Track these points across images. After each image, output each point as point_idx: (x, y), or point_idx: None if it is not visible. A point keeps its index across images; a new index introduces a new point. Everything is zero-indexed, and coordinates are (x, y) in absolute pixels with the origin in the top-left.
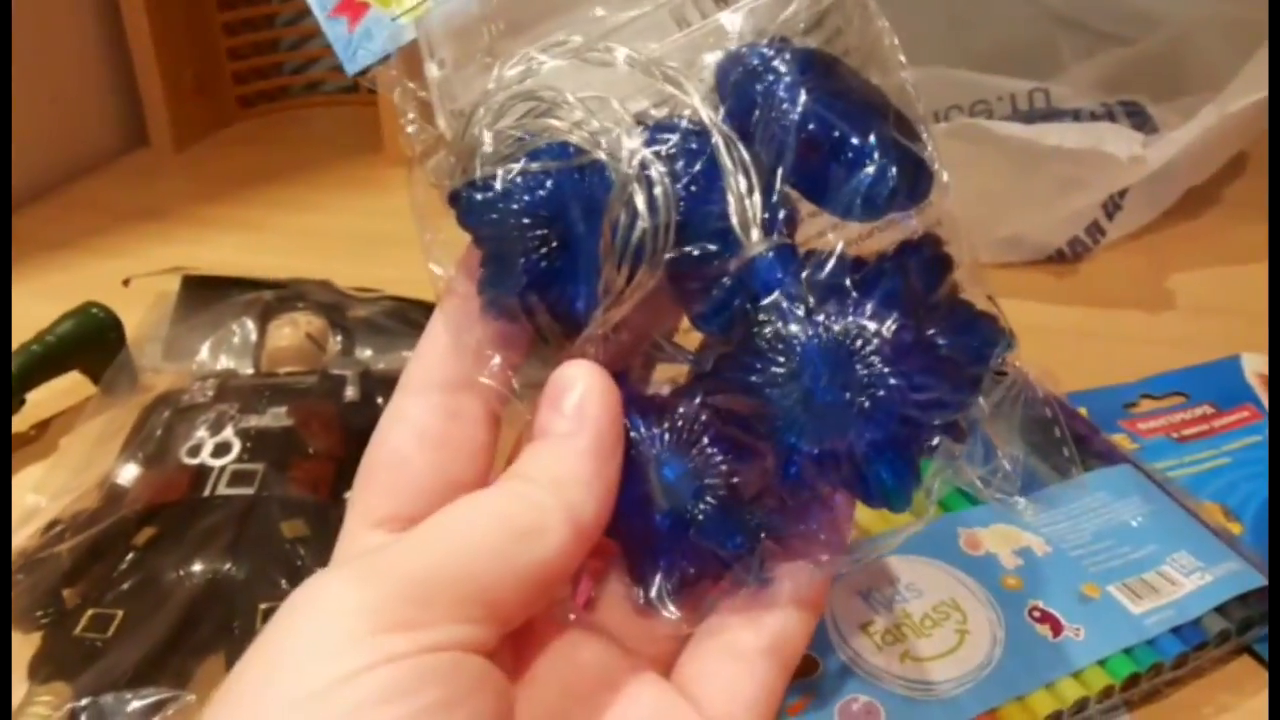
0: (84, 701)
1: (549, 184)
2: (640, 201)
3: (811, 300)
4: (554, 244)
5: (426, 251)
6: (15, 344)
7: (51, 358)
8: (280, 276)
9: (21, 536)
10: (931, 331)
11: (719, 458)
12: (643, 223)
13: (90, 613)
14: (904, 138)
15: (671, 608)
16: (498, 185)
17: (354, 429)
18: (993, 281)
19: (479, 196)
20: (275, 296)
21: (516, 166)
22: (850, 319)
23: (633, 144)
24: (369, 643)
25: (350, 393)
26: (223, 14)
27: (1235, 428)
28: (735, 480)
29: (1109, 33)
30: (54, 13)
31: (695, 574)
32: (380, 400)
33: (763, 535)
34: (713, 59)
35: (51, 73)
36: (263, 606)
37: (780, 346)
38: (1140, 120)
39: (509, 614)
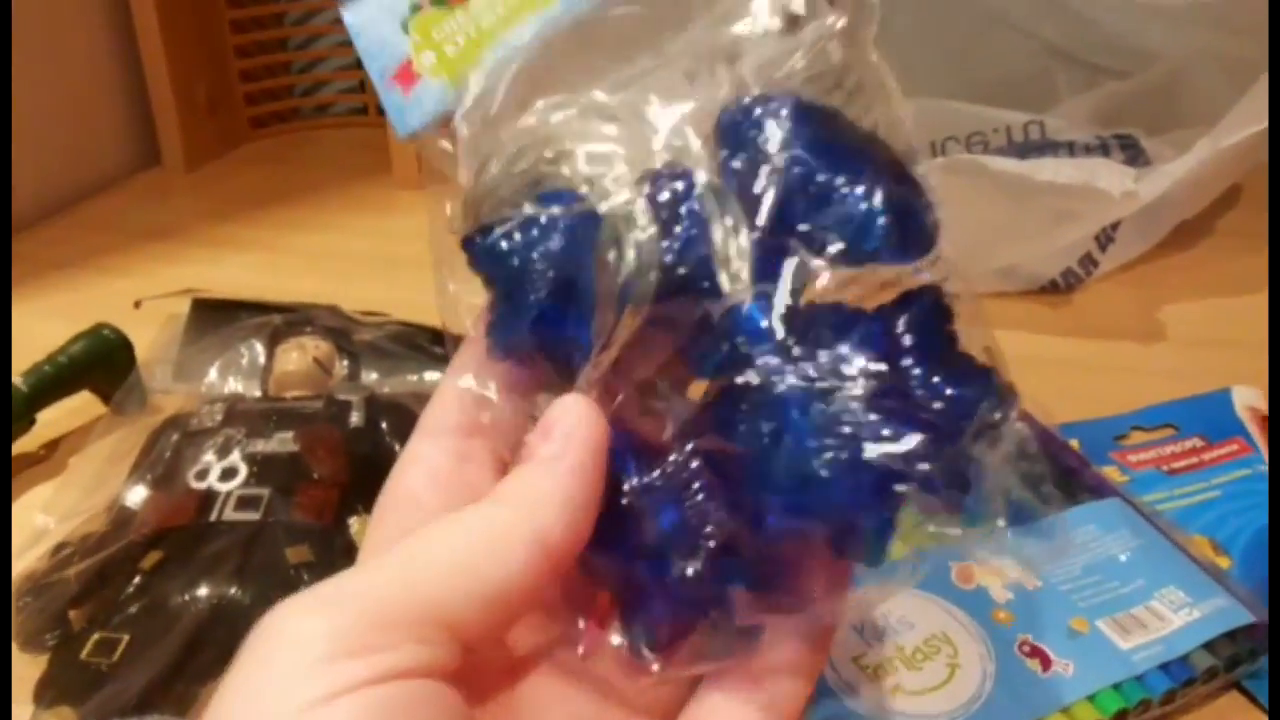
0: None
1: (554, 229)
2: (628, 244)
3: (791, 350)
4: (556, 288)
5: (447, 310)
6: (27, 364)
7: (62, 378)
8: (289, 297)
9: (30, 558)
10: (915, 383)
11: (711, 506)
12: (627, 266)
13: (96, 637)
14: (901, 187)
15: (656, 656)
16: (508, 230)
17: (359, 455)
18: (986, 312)
19: (488, 240)
20: (283, 320)
21: (524, 211)
22: (824, 366)
23: (622, 191)
24: (329, 671)
25: (355, 418)
26: (236, 36)
27: (1225, 460)
28: (726, 530)
29: (1104, 66)
30: (67, 31)
31: (685, 623)
32: (384, 425)
33: (741, 587)
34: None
35: (64, 91)
36: None
37: (755, 395)
38: (1134, 153)
39: (471, 634)
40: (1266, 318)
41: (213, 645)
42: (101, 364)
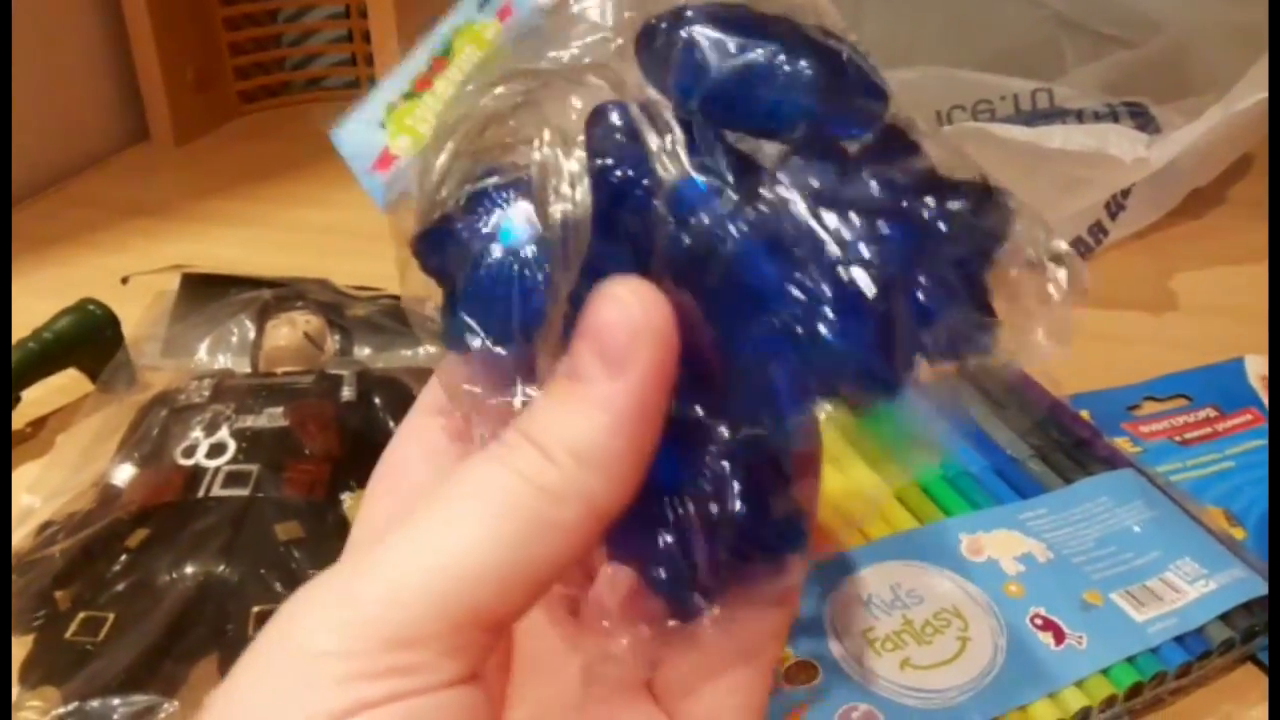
0: (70, 707)
1: (497, 207)
2: (562, 182)
3: (734, 200)
4: (509, 267)
5: (419, 329)
6: (12, 340)
7: (48, 355)
8: (281, 273)
9: (16, 537)
10: (878, 190)
11: (706, 425)
12: (563, 201)
13: (82, 615)
14: (833, 46)
15: (708, 600)
16: (448, 218)
17: (350, 429)
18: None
19: (433, 235)
20: (274, 295)
21: (458, 195)
22: (776, 196)
23: (546, 135)
24: (346, 693)
25: (347, 393)
26: (224, 9)
27: (1238, 431)
28: (732, 448)
29: (1112, 36)
30: (55, 5)
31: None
32: (377, 400)
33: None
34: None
35: (51, 66)
36: (256, 610)
37: (716, 255)
38: (1144, 121)
39: (509, 621)
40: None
41: (200, 624)
42: (88, 341)
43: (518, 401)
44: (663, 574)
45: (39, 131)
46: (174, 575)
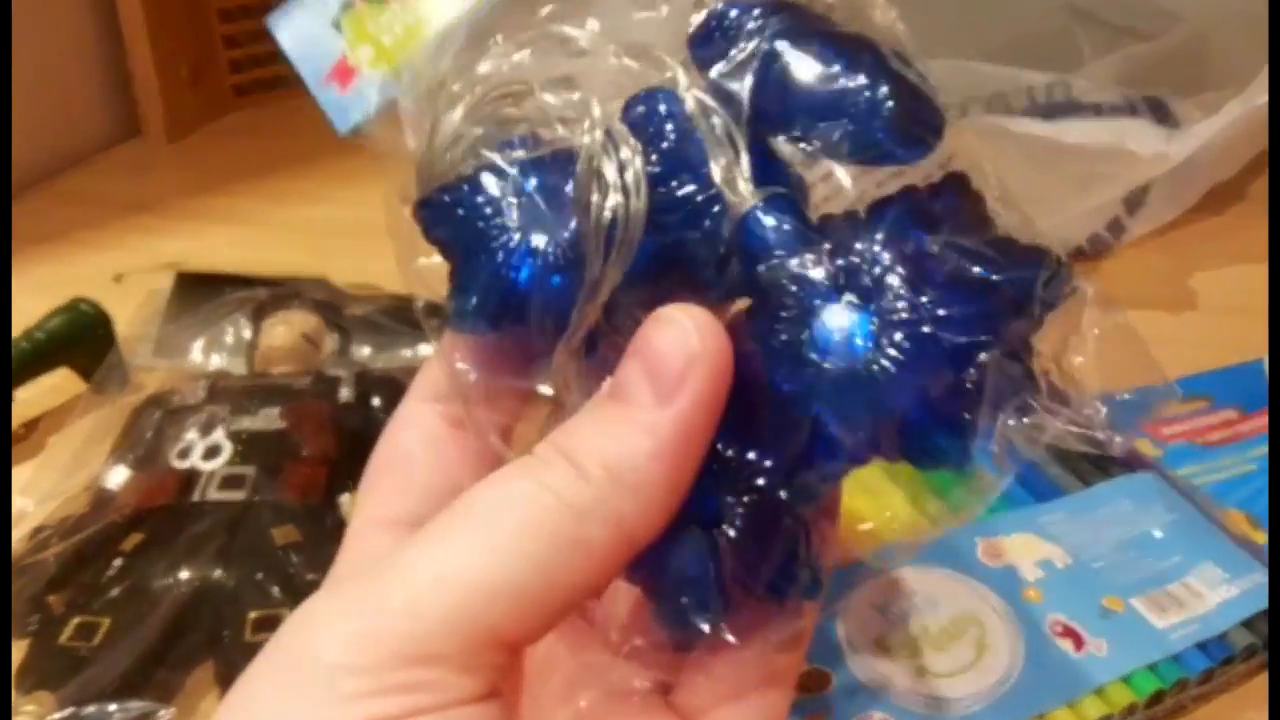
0: (65, 712)
1: (517, 180)
2: (610, 176)
3: (816, 248)
4: (524, 245)
5: (407, 282)
6: None
7: (40, 355)
8: (277, 270)
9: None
10: (956, 258)
11: (740, 462)
12: (614, 198)
13: (76, 621)
14: (904, 72)
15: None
16: (461, 187)
17: (349, 431)
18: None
19: (442, 203)
20: (270, 294)
21: (477, 163)
22: (858, 256)
23: (595, 122)
24: (354, 706)
25: (345, 394)
26: (219, 1)
27: (1261, 433)
28: (764, 490)
29: (1128, 28)
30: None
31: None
32: (376, 401)
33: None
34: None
35: (42, 61)
36: (253, 615)
37: (788, 303)
38: (1162, 115)
39: (521, 644)
40: None
41: (196, 629)
42: (80, 340)
43: (526, 387)
44: (668, 604)
45: (30, 127)
46: (169, 580)
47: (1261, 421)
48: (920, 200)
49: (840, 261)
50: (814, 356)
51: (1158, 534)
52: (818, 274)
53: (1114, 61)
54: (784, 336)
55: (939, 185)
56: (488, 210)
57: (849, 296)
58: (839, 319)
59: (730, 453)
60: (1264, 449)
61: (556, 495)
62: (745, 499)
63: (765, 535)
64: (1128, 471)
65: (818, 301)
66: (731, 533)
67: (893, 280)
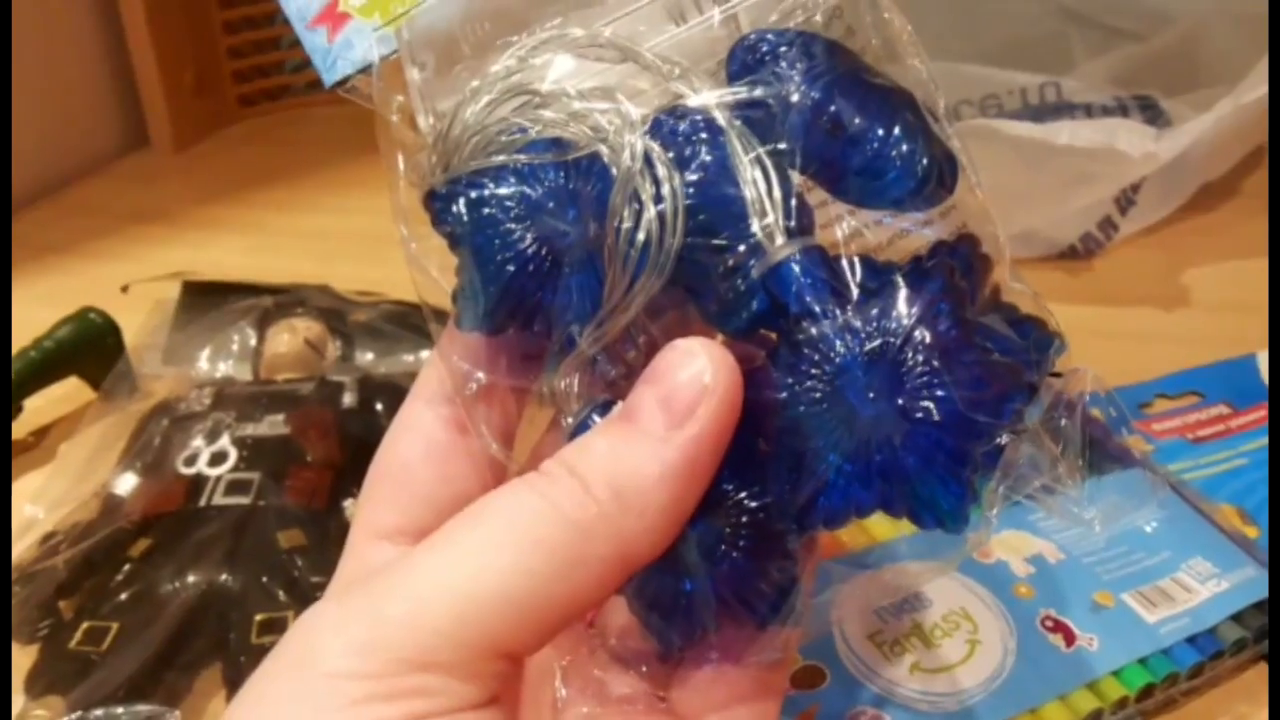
0: (75, 716)
1: (537, 182)
2: (646, 194)
3: (848, 306)
4: (538, 248)
5: (411, 261)
6: (13, 350)
7: (49, 364)
8: (283, 278)
9: (19, 548)
10: (979, 335)
11: (742, 495)
12: (649, 215)
13: (86, 625)
14: (933, 129)
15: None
16: (480, 181)
17: (352, 436)
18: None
19: (456, 195)
20: (274, 302)
21: (499, 159)
22: (893, 323)
23: (634, 136)
24: (359, 712)
25: (348, 399)
26: (223, 12)
27: (1252, 428)
28: (760, 524)
29: (1120, 28)
30: (52, 12)
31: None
32: (379, 406)
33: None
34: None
35: (49, 73)
36: (259, 618)
37: (815, 357)
38: (1154, 114)
39: (521, 654)
40: None
41: (203, 632)
42: (89, 349)
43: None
44: (656, 620)
45: (38, 139)
46: (177, 584)
47: (1253, 417)
48: (954, 274)
49: (874, 326)
50: (839, 414)
51: (1148, 529)
52: (851, 340)
53: (1106, 62)
54: (815, 394)
55: (955, 245)
56: (502, 209)
57: (879, 362)
58: (867, 384)
59: (732, 486)
60: (1255, 444)
61: (562, 512)
62: (745, 532)
63: (761, 568)
64: (1119, 468)
65: (849, 365)
66: (727, 563)
67: (923, 355)
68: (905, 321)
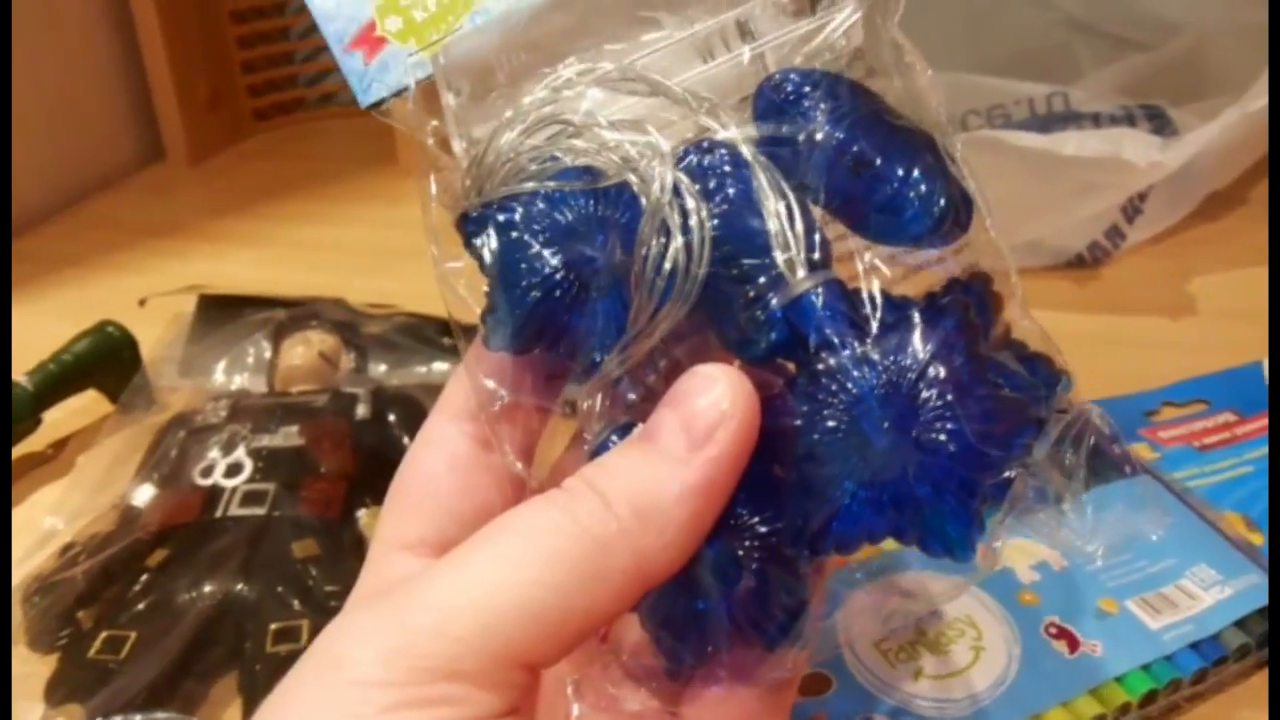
0: None
1: (567, 208)
2: (674, 224)
3: (866, 339)
4: (567, 273)
5: (440, 280)
6: (32, 363)
7: (68, 377)
8: (297, 291)
9: (39, 559)
10: (991, 372)
11: (756, 519)
12: (675, 245)
13: (104, 635)
14: (950, 169)
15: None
16: (510, 206)
17: (365, 447)
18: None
19: (488, 219)
20: (289, 315)
21: (530, 186)
22: (909, 357)
23: (664, 167)
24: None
25: (362, 411)
26: (237, 27)
27: (1258, 435)
28: (773, 547)
29: (1127, 38)
30: (68, 28)
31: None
32: (392, 418)
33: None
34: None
35: (65, 88)
36: (274, 627)
37: (833, 387)
38: (1161, 123)
39: (549, 664)
40: None
41: (220, 642)
42: (107, 362)
43: (547, 406)
44: (666, 639)
45: (55, 153)
46: (193, 594)
47: (1258, 424)
48: (968, 311)
49: (891, 360)
50: (854, 443)
51: (1153, 537)
52: (868, 373)
53: (1113, 72)
54: (831, 423)
55: (969, 283)
56: (532, 233)
57: (895, 395)
58: (883, 415)
59: (746, 510)
60: (1260, 451)
61: (583, 527)
62: (758, 554)
63: (772, 590)
64: (1124, 476)
65: (865, 396)
66: (740, 584)
67: (937, 389)
68: (921, 357)
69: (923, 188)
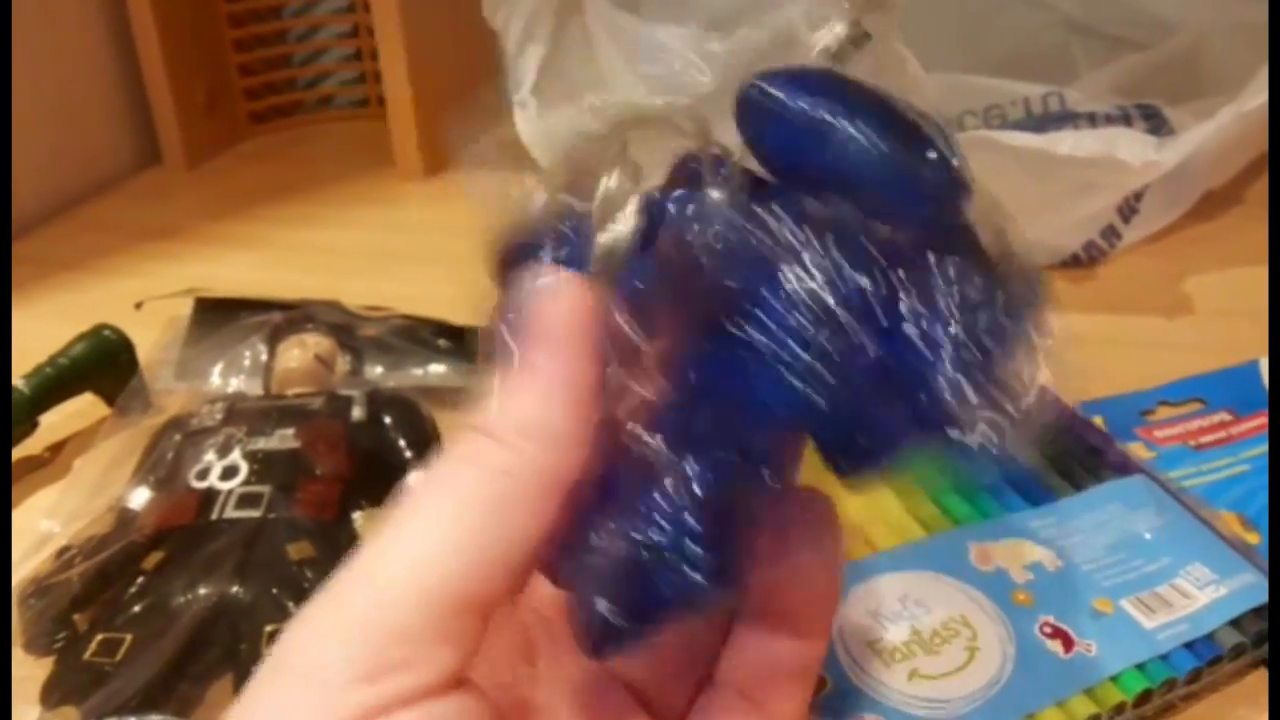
0: None
1: (554, 235)
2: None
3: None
4: None
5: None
6: (28, 366)
7: (65, 380)
8: (294, 294)
9: (35, 561)
10: (956, 280)
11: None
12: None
13: (100, 637)
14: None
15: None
16: (527, 247)
17: (361, 449)
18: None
19: (507, 257)
20: (285, 318)
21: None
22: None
23: (615, 173)
24: (349, 700)
25: (357, 413)
26: (233, 30)
27: (1253, 434)
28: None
29: (1123, 38)
30: (64, 30)
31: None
32: (388, 420)
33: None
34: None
35: (62, 91)
36: (269, 629)
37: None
38: (1157, 123)
39: (498, 602)
40: None
41: (215, 644)
42: (103, 365)
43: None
44: (584, 608)
45: (51, 157)
46: (189, 596)
47: (1254, 423)
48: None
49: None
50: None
51: (1148, 536)
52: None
53: (1109, 72)
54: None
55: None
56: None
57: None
58: None
59: (649, 448)
60: (1256, 450)
61: (482, 466)
62: (653, 493)
63: (664, 522)
64: (1119, 475)
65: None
66: (636, 525)
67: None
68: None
69: (862, 136)
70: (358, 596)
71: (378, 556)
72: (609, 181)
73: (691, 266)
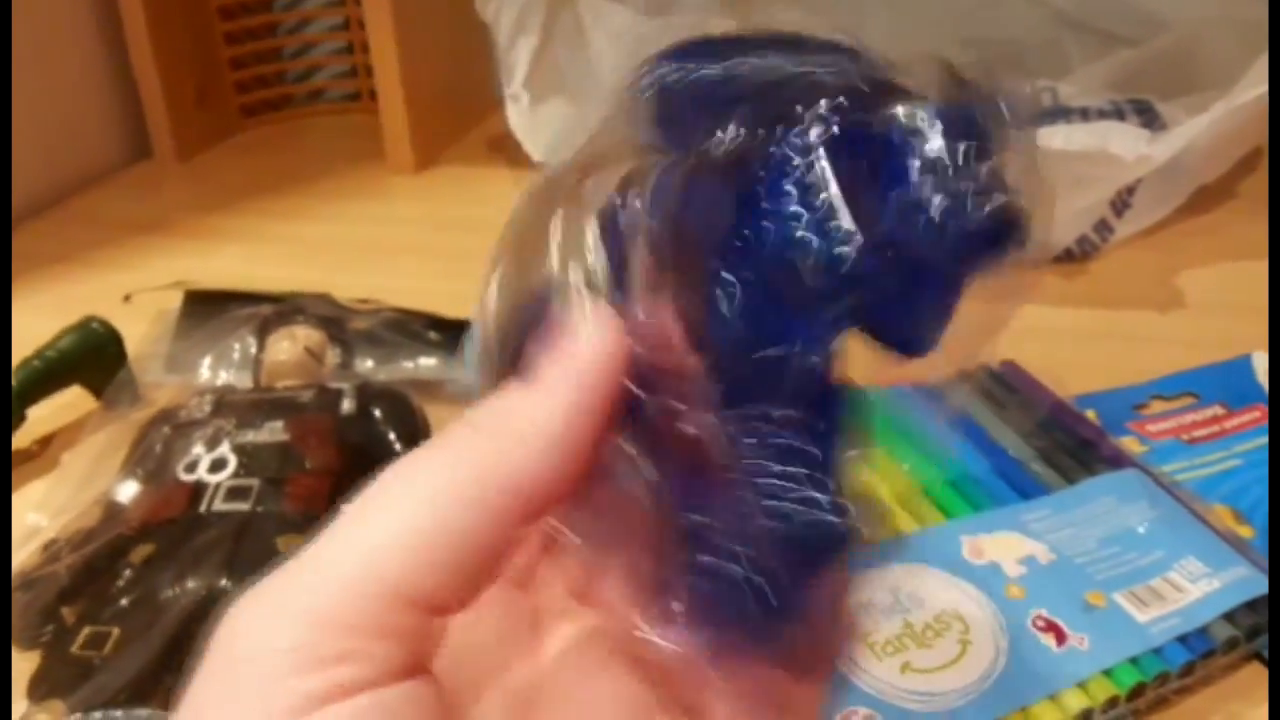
0: (75, 718)
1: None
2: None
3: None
4: None
5: None
6: (16, 359)
7: (52, 373)
8: (284, 287)
9: (22, 555)
10: None
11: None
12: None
13: (87, 630)
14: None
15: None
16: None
17: (351, 443)
18: (997, 284)
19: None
20: (274, 310)
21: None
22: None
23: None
24: (294, 690)
25: (347, 406)
26: (224, 23)
27: (1246, 428)
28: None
29: (1116, 34)
30: (55, 24)
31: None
32: (378, 413)
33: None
34: None
35: (52, 84)
36: None
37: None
38: (1149, 118)
39: (446, 601)
40: None
41: (202, 637)
42: (91, 358)
43: None
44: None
45: (41, 149)
46: (177, 590)
47: (1247, 418)
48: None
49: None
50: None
51: (1141, 530)
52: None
53: (1103, 67)
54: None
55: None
56: None
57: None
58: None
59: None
60: (1249, 444)
61: (455, 454)
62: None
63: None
64: (1112, 469)
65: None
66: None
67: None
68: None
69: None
70: (301, 582)
71: (329, 543)
72: (556, 225)
73: (670, 231)
